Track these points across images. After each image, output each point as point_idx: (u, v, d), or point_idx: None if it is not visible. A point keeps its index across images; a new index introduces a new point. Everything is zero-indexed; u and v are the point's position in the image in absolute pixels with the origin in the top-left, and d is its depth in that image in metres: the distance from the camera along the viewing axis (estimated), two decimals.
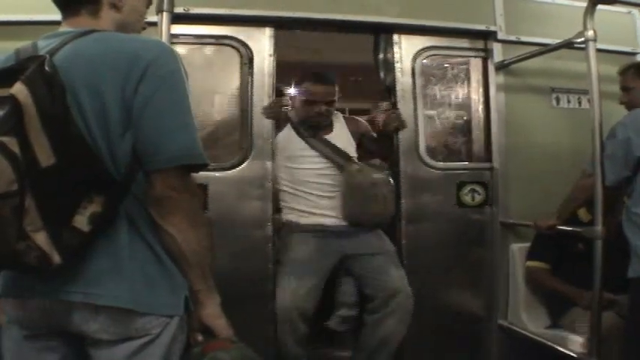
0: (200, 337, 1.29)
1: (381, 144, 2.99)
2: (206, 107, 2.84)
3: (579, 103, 3.21)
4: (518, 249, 3.05)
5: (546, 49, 2.93)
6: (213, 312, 1.29)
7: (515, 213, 3.07)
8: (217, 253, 2.70)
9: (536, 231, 2.89)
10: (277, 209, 2.87)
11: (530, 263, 2.97)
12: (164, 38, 2.06)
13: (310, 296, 2.65)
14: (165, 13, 2.08)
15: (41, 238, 1.08)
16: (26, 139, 1.05)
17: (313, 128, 2.84)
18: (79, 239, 1.12)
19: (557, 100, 3.20)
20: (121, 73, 1.16)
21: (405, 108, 3.00)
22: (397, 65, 3.03)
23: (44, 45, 1.22)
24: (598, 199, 2.42)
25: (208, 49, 2.89)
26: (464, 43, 3.14)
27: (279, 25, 2.90)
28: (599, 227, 2.41)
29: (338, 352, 3.15)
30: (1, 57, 1.26)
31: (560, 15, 3.10)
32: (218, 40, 2.86)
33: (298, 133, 2.85)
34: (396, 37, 3.05)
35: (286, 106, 2.94)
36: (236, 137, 2.87)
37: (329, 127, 2.90)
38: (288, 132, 2.88)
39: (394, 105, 3.00)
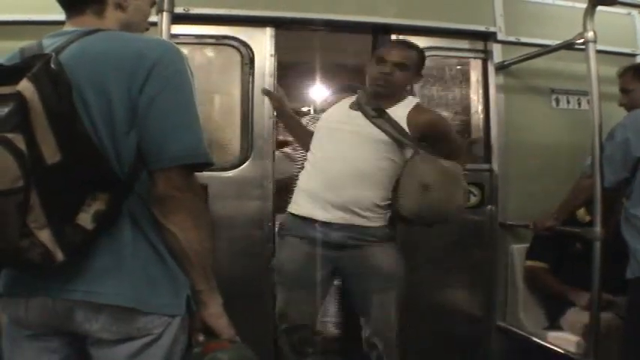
0: (201, 338, 1.29)
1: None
2: (207, 107, 2.84)
3: (579, 104, 3.21)
4: (517, 250, 3.06)
5: (546, 50, 2.93)
6: (215, 312, 1.29)
7: (515, 214, 3.07)
8: (217, 253, 2.72)
9: (536, 231, 2.89)
10: None
11: (529, 263, 2.97)
12: (164, 38, 2.05)
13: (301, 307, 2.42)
14: (165, 13, 2.08)
15: (45, 235, 1.07)
16: (32, 136, 1.05)
17: (373, 97, 2.38)
18: (83, 237, 1.12)
19: (557, 101, 3.21)
20: (127, 72, 1.16)
21: None
22: None
23: (49, 44, 1.22)
24: (597, 201, 2.42)
25: (209, 49, 2.89)
26: (464, 44, 3.14)
27: (279, 25, 2.90)
28: (598, 228, 2.41)
29: None
30: (6, 56, 1.26)
31: (560, 16, 3.10)
32: (219, 40, 2.86)
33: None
34: (394, 37, 3.04)
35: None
36: (236, 137, 2.87)
37: (389, 104, 2.38)
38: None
39: None
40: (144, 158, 1.19)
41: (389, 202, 2.33)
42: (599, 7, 2.48)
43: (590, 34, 2.47)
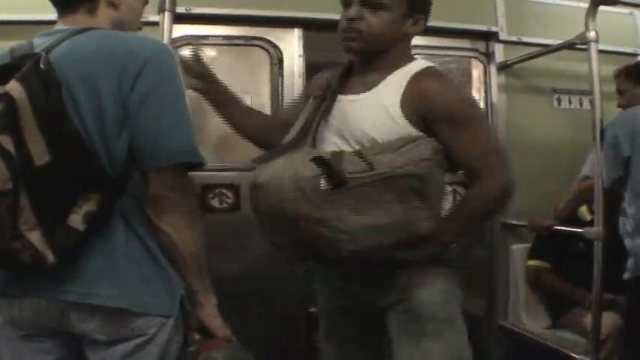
0: (197, 337, 1.30)
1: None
2: None
3: (580, 103, 3.21)
4: (518, 250, 3.06)
5: (548, 50, 2.93)
6: (210, 312, 1.29)
7: (516, 214, 3.07)
8: (247, 254, 2.73)
9: (535, 231, 2.89)
10: None
11: (531, 262, 2.97)
12: (165, 38, 2.05)
13: None
14: (166, 13, 2.07)
15: (35, 237, 1.07)
16: (21, 137, 1.05)
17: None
18: (74, 238, 1.11)
19: (559, 100, 3.20)
20: (118, 70, 1.16)
21: None
22: None
23: (40, 43, 1.21)
24: (599, 200, 2.41)
25: (238, 50, 2.90)
26: (465, 43, 3.14)
27: (307, 26, 2.89)
28: (600, 228, 2.41)
29: None
30: None
31: (562, 16, 3.09)
32: (248, 42, 2.86)
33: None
34: None
35: None
36: None
37: (366, 78, 1.63)
38: None
39: None
40: (136, 158, 1.18)
41: None
42: (601, 7, 2.48)
43: (591, 34, 2.47)
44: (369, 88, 1.58)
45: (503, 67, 3.11)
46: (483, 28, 3.08)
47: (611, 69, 2.73)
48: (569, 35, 2.64)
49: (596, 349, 2.41)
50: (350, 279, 1.64)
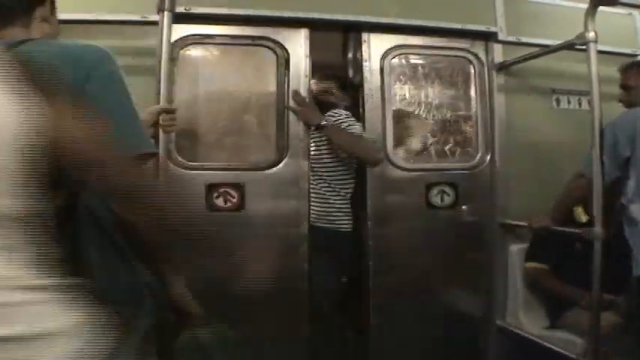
0: (172, 317, 1.38)
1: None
2: (243, 107, 2.88)
3: (579, 104, 3.21)
4: (517, 250, 3.06)
5: (547, 51, 2.93)
6: (180, 292, 1.39)
7: (515, 214, 3.07)
8: (254, 251, 2.73)
9: (532, 232, 2.89)
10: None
11: (529, 264, 2.97)
12: (164, 37, 2.05)
13: None
14: (166, 12, 2.07)
15: None
16: None
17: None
18: None
19: (558, 101, 3.21)
20: (66, 75, 1.20)
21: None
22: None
23: None
24: (597, 200, 2.42)
25: (245, 50, 2.91)
26: (465, 43, 3.14)
27: (314, 26, 2.91)
28: (598, 228, 2.41)
29: None
30: None
31: (561, 16, 3.09)
32: (254, 41, 2.87)
33: None
34: (395, 37, 3.05)
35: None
36: (272, 137, 2.88)
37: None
38: None
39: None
40: None
41: None
42: (600, 8, 2.48)
43: (591, 35, 2.47)
44: None
45: (502, 68, 3.11)
46: (482, 28, 3.08)
47: (610, 69, 2.73)
48: (569, 36, 2.64)
49: (594, 350, 2.41)
50: None
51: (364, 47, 3.01)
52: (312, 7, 2.85)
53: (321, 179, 2.92)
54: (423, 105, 3.14)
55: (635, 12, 3.29)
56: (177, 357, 1.35)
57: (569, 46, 2.69)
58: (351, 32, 3.10)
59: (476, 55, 3.15)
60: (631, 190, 2.37)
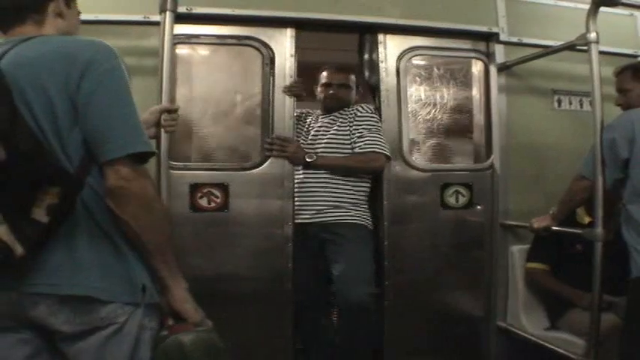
0: (170, 322, 1.35)
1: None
2: (228, 107, 2.88)
3: (581, 105, 3.21)
4: (517, 250, 3.06)
5: (548, 51, 2.93)
6: (179, 296, 1.35)
7: (516, 215, 3.07)
8: (237, 251, 2.77)
9: (534, 232, 2.89)
10: None
11: (529, 264, 2.97)
12: (166, 38, 2.05)
13: None
14: (168, 13, 2.07)
15: (2, 231, 1.13)
16: None
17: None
18: (39, 230, 1.17)
19: (559, 102, 3.21)
20: (62, 71, 1.22)
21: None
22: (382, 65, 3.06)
23: None
24: (598, 202, 2.41)
25: (231, 50, 2.92)
26: (466, 44, 3.14)
27: (300, 25, 2.91)
28: (599, 229, 2.41)
29: None
30: None
31: (562, 17, 3.10)
32: (240, 41, 2.87)
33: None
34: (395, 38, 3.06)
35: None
36: (257, 137, 2.88)
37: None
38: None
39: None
40: (92, 153, 1.25)
41: None
42: (602, 8, 2.48)
43: (592, 35, 2.47)
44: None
45: (503, 68, 3.11)
46: (484, 29, 3.09)
47: (611, 70, 2.72)
48: (570, 36, 2.64)
49: (594, 350, 2.41)
50: None
51: (380, 48, 3.02)
52: (298, 7, 2.85)
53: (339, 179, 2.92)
54: (438, 106, 3.16)
55: (636, 13, 3.29)
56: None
57: (570, 46, 2.69)
58: (367, 34, 3.11)
59: (488, 56, 3.15)
60: (629, 191, 2.36)
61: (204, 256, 2.70)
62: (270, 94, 2.86)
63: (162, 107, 1.95)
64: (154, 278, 1.33)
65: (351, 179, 2.91)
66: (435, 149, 3.19)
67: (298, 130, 3.03)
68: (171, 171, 2.62)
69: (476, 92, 3.22)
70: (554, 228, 2.74)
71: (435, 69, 3.16)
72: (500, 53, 3.11)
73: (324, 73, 3.06)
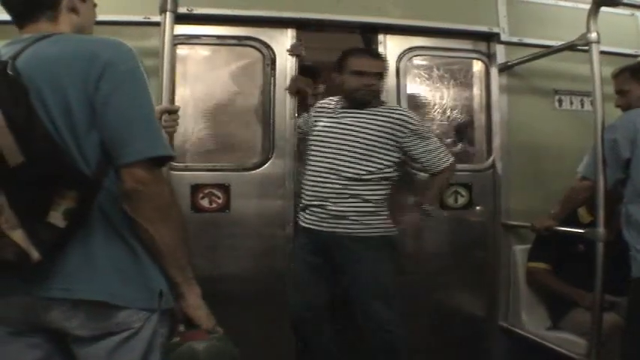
0: (182, 328, 1.33)
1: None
2: (229, 107, 2.88)
3: (582, 105, 3.21)
4: (519, 250, 3.06)
5: (549, 51, 2.93)
6: (193, 303, 1.33)
7: (518, 215, 3.07)
8: (239, 252, 2.77)
9: (535, 232, 2.89)
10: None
11: (531, 264, 2.97)
12: (167, 38, 2.06)
13: None
14: (168, 13, 2.08)
15: (18, 236, 1.11)
16: None
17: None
18: (56, 235, 1.15)
19: (560, 101, 3.20)
20: (81, 72, 1.20)
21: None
22: None
23: (6, 52, 1.25)
24: (600, 201, 2.41)
25: (232, 50, 2.91)
26: (467, 44, 3.15)
27: (301, 26, 2.92)
28: (601, 229, 2.41)
29: None
30: None
31: (563, 17, 3.09)
32: (241, 42, 2.87)
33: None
34: (396, 38, 3.06)
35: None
36: (258, 137, 2.88)
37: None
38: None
39: None
40: (109, 155, 1.22)
41: None
42: (603, 8, 2.47)
43: (593, 35, 2.47)
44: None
45: (504, 68, 3.11)
46: (485, 29, 3.09)
47: (612, 70, 2.72)
48: (571, 36, 2.63)
49: (596, 350, 2.41)
50: None
51: (380, 49, 3.02)
52: (298, 7, 2.86)
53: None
54: (438, 106, 3.16)
55: (637, 12, 3.29)
56: None
57: (571, 46, 2.69)
58: (368, 34, 3.10)
59: (488, 57, 3.15)
60: (630, 191, 2.36)
61: (205, 256, 2.70)
62: (272, 94, 2.86)
63: (162, 108, 1.95)
64: (169, 283, 1.31)
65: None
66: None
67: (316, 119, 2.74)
68: (173, 172, 2.62)
69: (477, 92, 3.21)
70: (556, 228, 2.74)
71: (436, 69, 3.16)
72: (501, 53, 3.11)
73: (356, 60, 2.60)
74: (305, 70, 3.00)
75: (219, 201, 2.74)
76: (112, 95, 1.20)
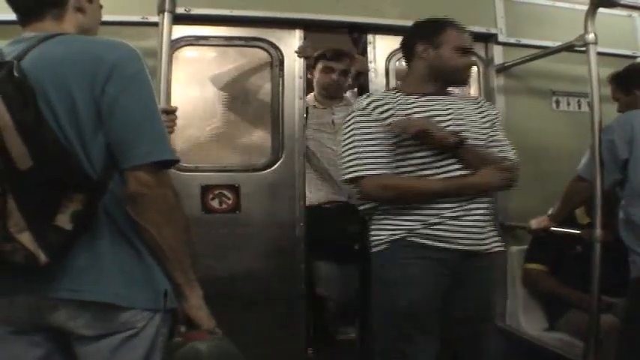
0: (183, 329, 1.34)
1: None
2: (237, 108, 2.88)
3: (579, 106, 3.21)
4: (516, 251, 3.06)
5: (547, 52, 2.93)
6: (195, 304, 1.34)
7: (515, 216, 3.07)
8: (249, 253, 2.76)
9: (532, 233, 2.89)
10: None
11: (528, 265, 2.98)
12: (164, 39, 2.05)
13: None
14: (166, 14, 2.07)
15: (26, 239, 1.12)
16: (2, 144, 1.09)
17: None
18: (63, 237, 1.16)
19: (558, 103, 3.21)
20: (88, 73, 1.20)
21: None
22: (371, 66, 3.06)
23: (9, 51, 1.25)
24: (597, 203, 2.41)
25: (239, 51, 2.91)
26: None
27: (308, 27, 2.92)
28: (598, 230, 2.41)
29: None
30: None
31: (561, 18, 3.10)
32: (249, 43, 2.87)
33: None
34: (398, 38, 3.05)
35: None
36: (267, 138, 2.88)
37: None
38: None
39: None
40: (114, 158, 1.23)
41: None
42: (600, 9, 2.48)
43: (591, 36, 2.47)
44: None
45: (502, 69, 3.11)
46: (482, 29, 3.09)
47: (609, 71, 2.74)
48: (568, 37, 2.64)
49: (593, 351, 2.41)
50: None
51: (369, 48, 3.01)
52: (306, 8, 2.86)
53: None
54: None
55: (634, 14, 3.29)
56: None
57: (568, 47, 2.69)
58: (357, 34, 3.10)
59: (486, 57, 3.16)
60: (628, 192, 2.37)
61: (216, 257, 2.69)
62: (280, 95, 2.85)
63: (161, 108, 1.94)
64: (171, 284, 1.32)
65: None
66: None
67: None
68: (182, 173, 2.64)
69: (474, 93, 3.21)
70: (553, 229, 2.74)
71: None
72: (498, 54, 3.12)
73: (459, 35, 2.24)
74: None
75: (230, 202, 2.73)
76: (119, 98, 1.20)
